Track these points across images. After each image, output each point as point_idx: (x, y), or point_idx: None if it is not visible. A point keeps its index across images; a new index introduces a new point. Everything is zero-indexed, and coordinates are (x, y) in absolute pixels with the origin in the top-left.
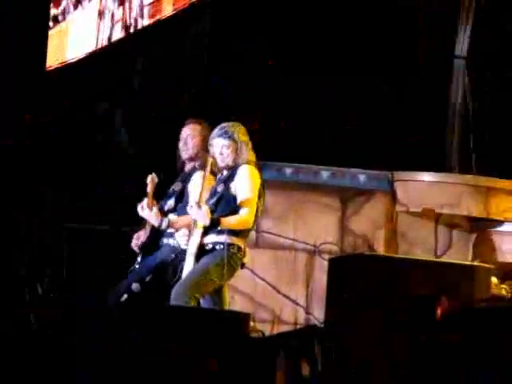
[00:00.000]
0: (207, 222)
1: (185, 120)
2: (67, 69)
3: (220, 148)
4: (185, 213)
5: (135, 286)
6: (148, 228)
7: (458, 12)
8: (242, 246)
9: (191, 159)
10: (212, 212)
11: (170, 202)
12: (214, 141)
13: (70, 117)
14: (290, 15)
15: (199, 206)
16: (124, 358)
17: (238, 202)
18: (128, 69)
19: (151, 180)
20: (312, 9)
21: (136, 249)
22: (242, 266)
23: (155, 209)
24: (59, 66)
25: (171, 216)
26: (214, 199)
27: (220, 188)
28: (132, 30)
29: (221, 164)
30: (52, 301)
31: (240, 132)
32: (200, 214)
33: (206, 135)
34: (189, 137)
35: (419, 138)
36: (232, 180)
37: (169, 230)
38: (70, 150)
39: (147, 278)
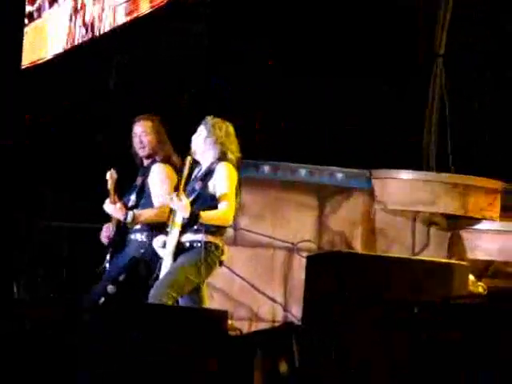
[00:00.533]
0: (187, 215)
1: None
2: (44, 67)
3: (194, 136)
4: (147, 207)
5: (110, 288)
6: (114, 224)
7: (440, 9)
8: (220, 244)
9: (149, 156)
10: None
11: (132, 198)
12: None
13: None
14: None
15: (179, 198)
16: (101, 358)
17: (217, 198)
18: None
19: (110, 176)
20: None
21: (105, 240)
22: (221, 263)
23: (119, 204)
24: (34, 63)
25: (135, 210)
26: (192, 197)
27: (198, 186)
28: (107, 29)
29: (193, 148)
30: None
31: (219, 126)
32: (181, 206)
33: (159, 131)
34: (142, 134)
35: (397, 137)
36: (210, 178)
37: (136, 227)
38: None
39: (120, 278)
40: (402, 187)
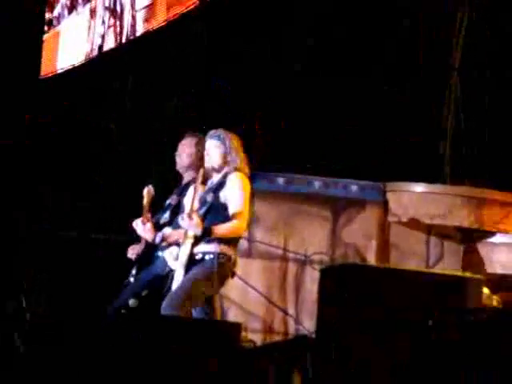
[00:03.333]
0: (199, 232)
1: (181, 122)
2: (61, 75)
3: (208, 149)
4: (180, 226)
5: (132, 302)
6: (143, 241)
7: (454, 21)
8: (232, 256)
9: (184, 170)
10: (202, 221)
11: (166, 216)
12: (205, 144)
13: (68, 122)
14: (290, 17)
15: (190, 217)
16: (114, 370)
17: (230, 209)
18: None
19: (148, 192)
20: (311, 11)
21: (132, 257)
22: (233, 275)
23: (149, 224)
24: (54, 72)
25: (165, 230)
26: (204, 208)
27: (210, 197)
28: (124, 39)
29: (206, 165)
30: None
31: (232, 138)
32: (192, 225)
33: (202, 148)
34: (183, 147)
35: (412, 149)
36: (222, 189)
37: (163, 244)
38: (70, 153)
39: (143, 293)
40: (416, 200)
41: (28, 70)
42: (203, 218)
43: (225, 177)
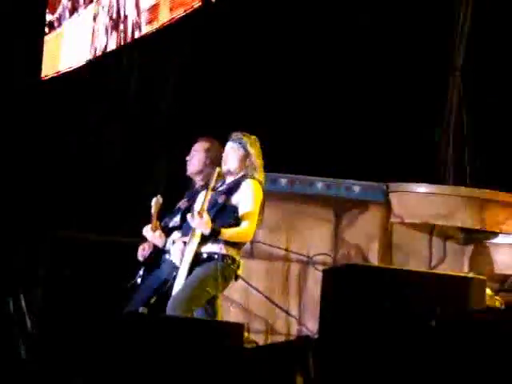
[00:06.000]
0: (207, 231)
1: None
2: (62, 77)
3: (227, 151)
4: (189, 229)
5: (142, 310)
6: (152, 244)
7: (454, 23)
8: (237, 258)
9: (195, 174)
10: (212, 221)
11: (176, 220)
12: (226, 145)
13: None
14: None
15: (201, 215)
16: (120, 369)
17: (240, 214)
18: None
19: (156, 202)
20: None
21: (141, 259)
22: (236, 277)
23: (158, 231)
24: (55, 74)
25: (175, 235)
26: (215, 210)
27: (221, 199)
28: (129, 39)
29: (223, 166)
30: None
31: (252, 144)
32: (201, 223)
33: (213, 154)
34: (195, 152)
35: (414, 150)
36: (234, 192)
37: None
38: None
39: (152, 300)
40: (419, 201)
41: (29, 71)
42: (213, 219)
43: (239, 181)
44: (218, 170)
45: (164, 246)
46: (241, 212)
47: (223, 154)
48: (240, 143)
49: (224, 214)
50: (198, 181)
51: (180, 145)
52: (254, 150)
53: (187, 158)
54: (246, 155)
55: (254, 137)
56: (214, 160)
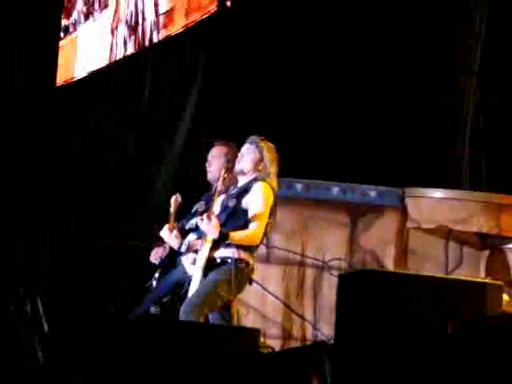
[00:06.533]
0: (216, 235)
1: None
2: (77, 82)
3: (242, 151)
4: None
5: (153, 309)
6: (167, 245)
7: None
8: (250, 262)
9: (215, 180)
10: (222, 226)
11: (192, 222)
12: (242, 147)
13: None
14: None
15: (209, 218)
16: (133, 374)
17: (249, 217)
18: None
19: (175, 200)
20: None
21: (155, 262)
22: (251, 281)
23: (175, 231)
24: (70, 80)
25: (191, 237)
26: (225, 214)
27: (231, 203)
28: (147, 44)
29: (237, 167)
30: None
31: (269, 150)
32: (210, 227)
33: (232, 158)
34: (213, 158)
35: (430, 154)
36: (245, 194)
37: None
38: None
39: (164, 300)
40: (435, 206)
41: (44, 77)
42: (224, 222)
43: (251, 183)
44: (224, 169)
45: (179, 247)
46: (250, 214)
47: (239, 154)
48: (257, 147)
49: (235, 217)
50: (219, 186)
51: (187, 147)
52: (270, 157)
53: (206, 165)
54: (261, 159)
55: (271, 145)
56: (232, 163)
